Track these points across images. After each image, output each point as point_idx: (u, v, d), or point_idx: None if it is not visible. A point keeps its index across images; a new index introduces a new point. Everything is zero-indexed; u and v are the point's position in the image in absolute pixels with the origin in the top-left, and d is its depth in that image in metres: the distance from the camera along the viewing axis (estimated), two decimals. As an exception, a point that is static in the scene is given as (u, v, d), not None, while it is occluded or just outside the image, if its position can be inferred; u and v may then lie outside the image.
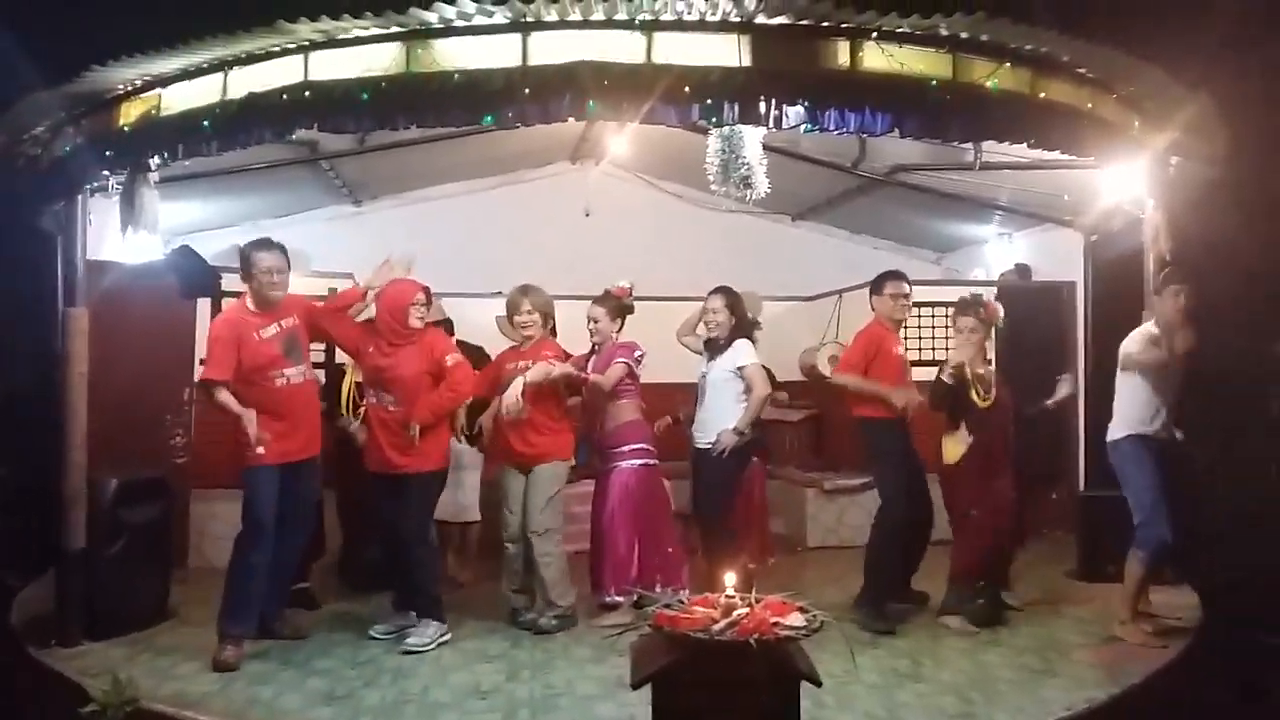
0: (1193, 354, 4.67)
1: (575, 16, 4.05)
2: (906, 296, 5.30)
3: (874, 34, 4.21)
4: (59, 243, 4.98)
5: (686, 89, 4.09)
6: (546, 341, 5.12)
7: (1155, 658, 4.48)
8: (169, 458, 5.96)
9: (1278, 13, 5.21)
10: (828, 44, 4.23)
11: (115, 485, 4.87)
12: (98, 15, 4.59)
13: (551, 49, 4.09)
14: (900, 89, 4.28)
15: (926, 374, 5.40)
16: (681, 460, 5.53)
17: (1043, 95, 4.54)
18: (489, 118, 4.26)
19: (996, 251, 8.57)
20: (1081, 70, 4.67)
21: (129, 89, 4.66)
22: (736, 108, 4.17)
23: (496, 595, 5.19)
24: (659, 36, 4.10)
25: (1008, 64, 4.44)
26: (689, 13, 4.08)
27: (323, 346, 5.84)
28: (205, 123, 4.44)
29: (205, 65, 4.44)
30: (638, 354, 5.22)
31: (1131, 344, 4.86)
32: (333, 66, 4.24)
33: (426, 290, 4.89)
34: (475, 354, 5.64)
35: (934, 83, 4.31)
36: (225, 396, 4.44)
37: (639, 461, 5.19)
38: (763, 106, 4.19)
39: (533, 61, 4.09)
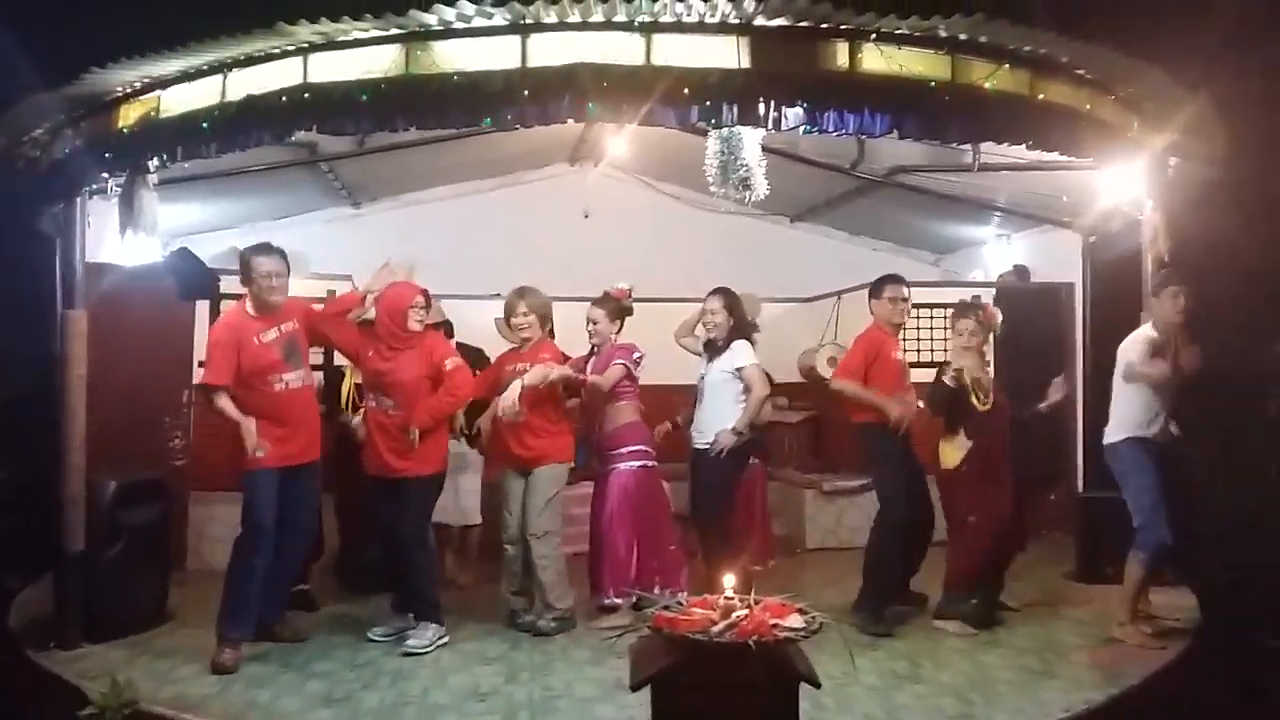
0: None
1: (574, 18, 4.05)
2: (905, 300, 5.29)
3: (873, 35, 4.22)
4: (58, 245, 4.97)
5: (685, 91, 4.09)
6: (545, 343, 5.12)
7: (1154, 659, 4.48)
8: (168, 460, 5.96)
9: (1276, 13, 5.22)
10: (827, 45, 4.24)
11: (114, 487, 4.87)
12: (97, 17, 4.59)
13: (551, 51, 4.09)
14: (899, 90, 4.28)
15: (926, 376, 5.40)
16: (681, 462, 5.53)
17: (1041, 96, 4.54)
18: (488, 120, 4.26)
19: (995, 253, 8.57)
20: (1080, 71, 4.68)
21: (128, 91, 4.67)
22: (735, 109, 4.17)
23: (496, 597, 5.19)
24: (658, 38, 4.10)
25: (1007, 65, 4.44)
26: (688, 15, 4.08)
27: (322, 348, 5.83)
28: (204, 125, 4.44)
29: (204, 67, 4.45)
30: (636, 355, 5.22)
31: (1132, 351, 4.81)
32: (332, 68, 4.24)
33: (425, 293, 4.89)
34: (474, 356, 5.64)
35: (933, 84, 4.31)
36: (224, 402, 4.44)
37: (638, 463, 5.19)
38: (762, 108, 4.19)
39: (532, 63, 4.10)
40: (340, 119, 4.33)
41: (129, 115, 4.69)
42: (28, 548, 5.20)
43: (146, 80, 4.58)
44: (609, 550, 5.12)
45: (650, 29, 4.09)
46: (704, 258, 7.93)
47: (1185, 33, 4.92)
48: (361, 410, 5.16)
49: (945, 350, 5.34)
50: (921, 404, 5.18)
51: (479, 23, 4.08)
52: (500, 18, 4.04)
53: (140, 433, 5.85)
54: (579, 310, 5.43)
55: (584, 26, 4.09)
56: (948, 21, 4.17)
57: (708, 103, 4.14)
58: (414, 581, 4.80)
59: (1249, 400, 5.33)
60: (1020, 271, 8.13)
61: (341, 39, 4.21)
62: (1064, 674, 4.34)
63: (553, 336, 5.24)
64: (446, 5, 3.94)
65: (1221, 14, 5.11)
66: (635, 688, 2.76)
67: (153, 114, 4.62)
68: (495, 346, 5.66)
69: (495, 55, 4.11)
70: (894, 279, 5.35)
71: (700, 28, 4.13)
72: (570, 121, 4.38)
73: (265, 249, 4.65)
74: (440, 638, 4.74)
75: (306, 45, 4.25)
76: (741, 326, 5.36)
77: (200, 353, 5.68)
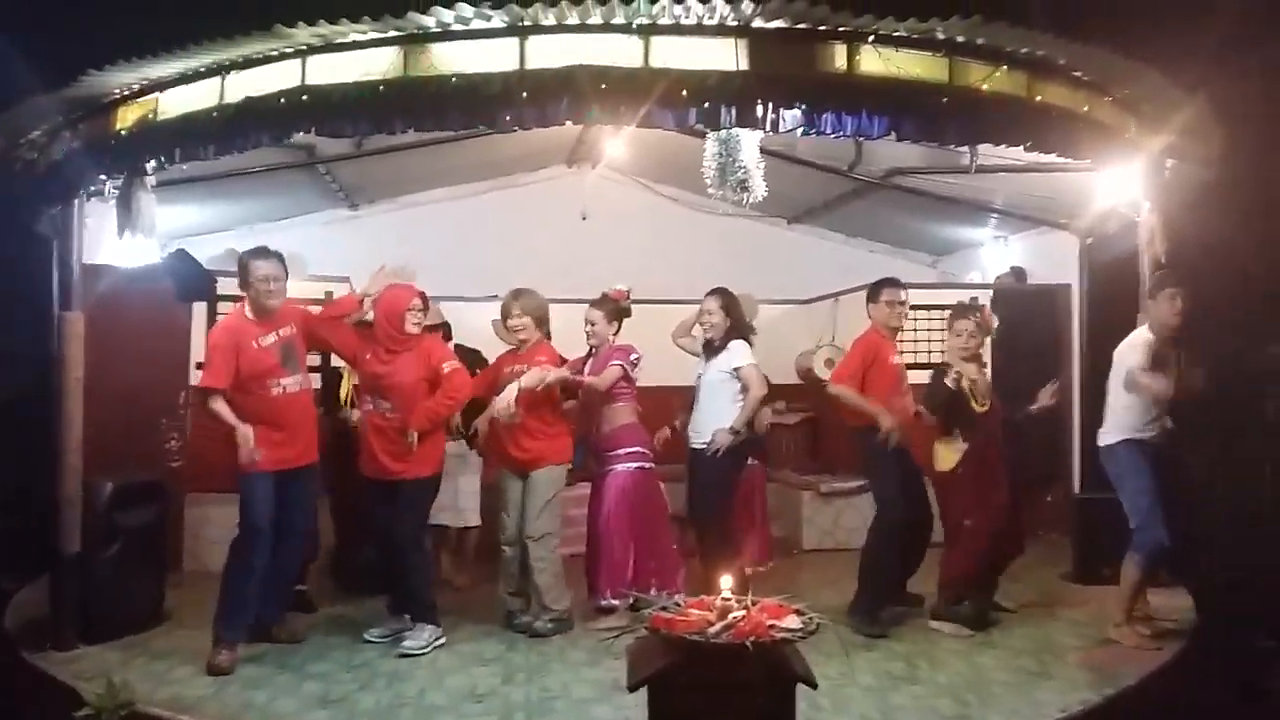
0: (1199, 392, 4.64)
1: (573, 21, 4.06)
2: (903, 303, 5.28)
3: (871, 37, 4.22)
4: (55, 246, 4.97)
5: (684, 93, 4.09)
6: (542, 345, 5.11)
7: (1150, 660, 4.48)
8: (164, 461, 5.96)
9: (1273, 16, 5.24)
10: (824, 48, 4.24)
11: (110, 489, 4.87)
12: (95, 19, 4.60)
13: (549, 53, 4.10)
14: (897, 92, 4.28)
15: (924, 377, 5.39)
16: (679, 464, 5.54)
17: (1039, 98, 4.56)
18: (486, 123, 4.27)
19: (992, 254, 8.58)
20: (1078, 73, 4.69)
21: (126, 93, 4.67)
22: (734, 111, 4.17)
23: (493, 599, 5.19)
24: (656, 41, 4.11)
25: (1004, 67, 4.45)
26: (686, 17, 4.08)
27: (319, 352, 5.84)
28: (203, 127, 4.44)
29: (203, 69, 4.45)
30: (634, 357, 5.23)
31: (1130, 356, 4.77)
32: (330, 71, 4.24)
33: (423, 295, 4.90)
34: (472, 358, 5.65)
35: (931, 86, 4.31)
36: (220, 406, 4.43)
37: (634, 464, 5.20)
38: (760, 110, 4.19)
39: (530, 65, 4.10)
40: (338, 121, 4.33)
41: (127, 117, 4.69)
42: (24, 549, 5.20)
43: (145, 82, 4.59)
44: (606, 551, 5.13)
45: (648, 31, 4.10)
46: (701, 259, 7.93)
47: (1183, 35, 4.94)
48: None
49: (943, 352, 5.32)
50: (921, 409, 5.17)
51: (477, 25, 4.09)
52: (498, 20, 4.04)
53: (137, 434, 5.85)
54: (576, 312, 5.43)
55: (582, 29, 4.09)
56: (945, 23, 4.18)
57: (706, 105, 4.14)
58: (410, 583, 4.80)
59: (1246, 401, 5.35)
60: (1017, 273, 8.14)
61: (340, 41, 4.22)
62: (1060, 675, 4.34)
63: (549, 338, 5.24)
64: (445, 7, 3.95)
65: (1219, 16, 5.13)
66: (632, 689, 2.76)
67: (151, 116, 4.62)
68: (492, 348, 5.66)
69: (493, 57, 4.11)
70: (891, 282, 5.35)
71: (698, 30, 4.13)
72: (568, 123, 4.39)
73: (263, 253, 4.65)
74: (437, 639, 4.74)
75: (305, 47, 4.25)
76: (739, 327, 5.37)
77: (197, 354, 5.70)
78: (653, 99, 4.07)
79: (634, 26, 4.08)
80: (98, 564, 4.79)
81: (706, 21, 4.11)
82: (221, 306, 6.20)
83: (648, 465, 5.26)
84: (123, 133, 4.68)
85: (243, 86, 4.37)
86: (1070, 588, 5.84)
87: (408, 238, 7.85)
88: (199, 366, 4.78)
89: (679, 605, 2.87)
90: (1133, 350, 4.81)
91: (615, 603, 5.05)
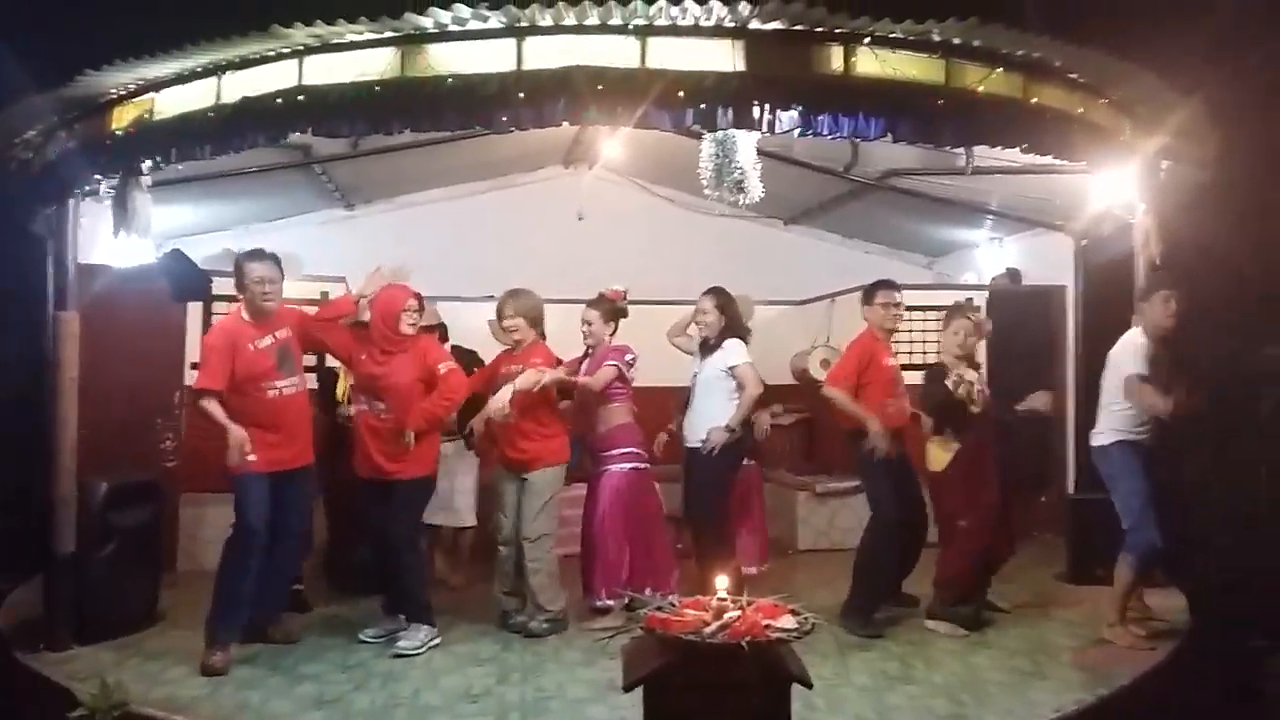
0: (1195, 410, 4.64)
1: (570, 21, 4.05)
2: (898, 305, 5.28)
3: (867, 39, 4.22)
4: (50, 246, 4.97)
5: (681, 94, 4.10)
6: (538, 346, 5.11)
7: (1144, 660, 4.49)
8: (159, 461, 5.95)
9: (1268, 18, 5.25)
10: (821, 49, 4.24)
11: (105, 489, 4.86)
12: (91, 19, 4.60)
13: (546, 54, 4.09)
14: (893, 94, 4.29)
15: (919, 378, 5.40)
16: (675, 464, 5.54)
17: (1035, 100, 4.56)
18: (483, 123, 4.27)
19: (987, 256, 8.59)
20: (1073, 75, 4.70)
21: (122, 93, 4.66)
22: (730, 113, 4.17)
23: (488, 599, 5.19)
24: (653, 42, 4.10)
25: (1000, 69, 4.46)
26: (683, 18, 4.07)
27: (315, 353, 5.84)
28: (199, 127, 4.43)
29: (199, 69, 4.44)
30: (629, 357, 5.23)
31: (1125, 360, 4.78)
32: (327, 71, 4.23)
33: (418, 296, 4.90)
34: (469, 358, 5.65)
35: (927, 88, 4.32)
36: (212, 406, 4.42)
37: (629, 465, 5.20)
38: (757, 111, 4.19)
39: (527, 66, 4.09)
40: (335, 121, 4.33)
41: (123, 117, 4.68)
42: (19, 549, 5.19)
43: (141, 82, 4.58)
44: (600, 552, 5.13)
45: (645, 32, 4.09)
46: (698, 260, 7.93)
47: (1178, 37, 4.95)
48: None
49: (938, 353, 5.32)
50: (919, 411, 5.17)
51: (474, 25, 4.08)
52: (495, 20, 4.04)
53: (132, 434, 5.84)
54: (572, 312, 5.44)
55: (579, 30, 4.08)
56: (941, 25, 4.18)
57: (703, 106, 4.15)
58: (404, 583, 4.80)
59: (1241, 403, 5.35)
60: (1012, 274, 8.15)
61: (336, 42, 4.21)
62: (1054, 675, 4.35)
63: (544, 339, 5.24)
64: (441, 8, 3.94)
65: (1214, 18, 5.14)
66: (628, 688, 2.76)
67: (147, 116, 4.61)
68: (489, 348, 5.66)
69: (490, 58, 4.10)
70: (886, 284, 5.35)
71: (695, 31, 4.13)
72: (565, 124, 4.39)
73: (258, 255, 4.65)
74: (432, 639, 4.74)
75: (301, 48, 4.25)
76: (734, 326, 5.38)
77: (193, 354, 5.69)
78: (649, 100, 4.07)
79: (631, 27, 4.08)
80: (92, 564, 4.78)
81: (703, 23, 4.10)
82: (217, 306, 6.21)
83: (642, 466, 5.25)
84: (118, 133, 4.67)
85: (239, 87, 4.36)
86: (1064, 588, 5.85)
87: (404, 238, 7.85)
88: (194, 367, 4.77)
89: (674, 605, 2.88)
90: (1127, 352, 4.81)
91: (610, 603, 5.05)
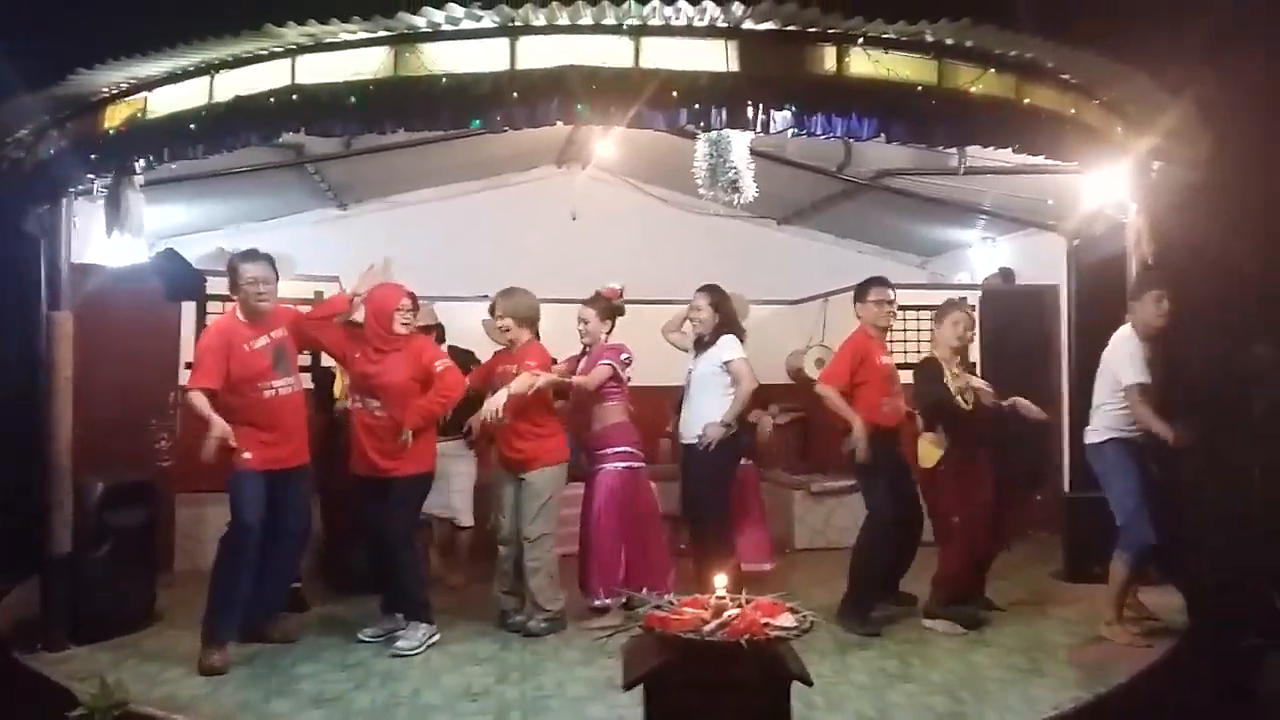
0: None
1: (563, 21, 4.06)
2: (891, 303, 5.28)
3: (860, 39, 4.24)
4: (42, 246, 4.95)
5: (674, 94, 4.10)
6: (532, 346, 5.10)
7: (1141, 658, 4.51)
8: (155, 461, 5.94)
9: (1258, 18, 5.27)
10: (814, 49, 4.25)
11: (101, 489, 4.86)
12: (83, 18, 4.57)
13: (540, 53, 4.10)
14: (886, 94, 4.30)
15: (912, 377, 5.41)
16: (671, 463, 5.55)
17: (1027, 101, 4.58)
18: (477, 122, 4.26)
19: (981, 256, 8.62)
20: (1065, 76, 4.72)
21: (114, 92, 4.65)
22: (724, 112, 4.18)
23: (487, 598, 5.19)
24: (646, 41, 4.11)
25: (992, 70, 4.47)
26: (676, 18, 4.09)
27: (310, 351, 5.83)
28: (192, 126, 4.42)
29: (192, 68, 4.44)
30: (624, 357, 5.24)
31: (1119, 361, 4.79)
32: (320, 70, 4.23)
33: (412, 295, 4.89)
34: (465, 358, 5.65)
35: (920, 88, 4.33)
36: (198, 399, 4.39)
37: (622, 464, 5.20)
38: (750, 111, 4.20)
39: (521, 66, 4.10)
40: (328, 121, 4.32)
41: (115, 116, 4.67)
42: (14, 549, 5.17)
43: (133, 81, 4.56)
44: (596, 551, 5.13)
45: (639, 32, 4.10)
46: (691, 260, 7.93)
47: (1169, 38, 4.96)
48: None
49: (931, 347, 5.30)
50: (915, 410, 5.18)
51: (467, 25, 4.09)
52: (489, 20, 4.05)
53: (126, 434, 5.83)
54: (566, 312, 5.44)
55: (573, 29, 4.09)
56: (934, 26, 4.20)
57: (696, 106, 4.16)
58: (401, 581, 4.80)
59: (1234, 403, 5.37)
60: (1005, 274, 8.18)
61: (330, 41, 4.21)
62: (1053, 672, 4.36)
63: (538, 338, 5.23)
64: (435, 8, 3.95)
65: (1205, 20, 5.16)
66: (627, 687, 2.76)
67: (139, 115, 4.60)
68: (484, 348, 5.67)
69: (484, 57, 4.11)
70: (879, 281, 5.35)
71: (689, 31, 4.14)
72: (558, 124, 4.38)
73: (252, 256, 4.65)
74: (431, 636, 4.74)
75: (295, 47, 4.24)
76: (729, 323, 5.39)
77: (187, 354, 5.68)
78: (643, 100, 4.07)
79: (624, 27, 4.09)
80: (88, 564, 4.77)
81: (697, 23, 4.12)
82: (211, 306, 6.19)
83: (636, 465, 5.25)
84: (111, 132, 4.66)
85: (232, 86, 4.36)
86: (1061, 586, 5.87)
87: (397, 237, 7.82)
88: (189, 366, 4.76)
89: (672, 604, 2.88)
90: (1120, 351, 4.82)
91: (608, 602, 5.05)
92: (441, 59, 4.13)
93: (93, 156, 4.70)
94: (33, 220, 5.02)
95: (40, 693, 4.15)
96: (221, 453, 4.38)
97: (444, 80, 4.12)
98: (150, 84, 4.56)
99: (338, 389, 5.73)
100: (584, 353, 5.35)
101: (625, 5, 4.00)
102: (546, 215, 8.13)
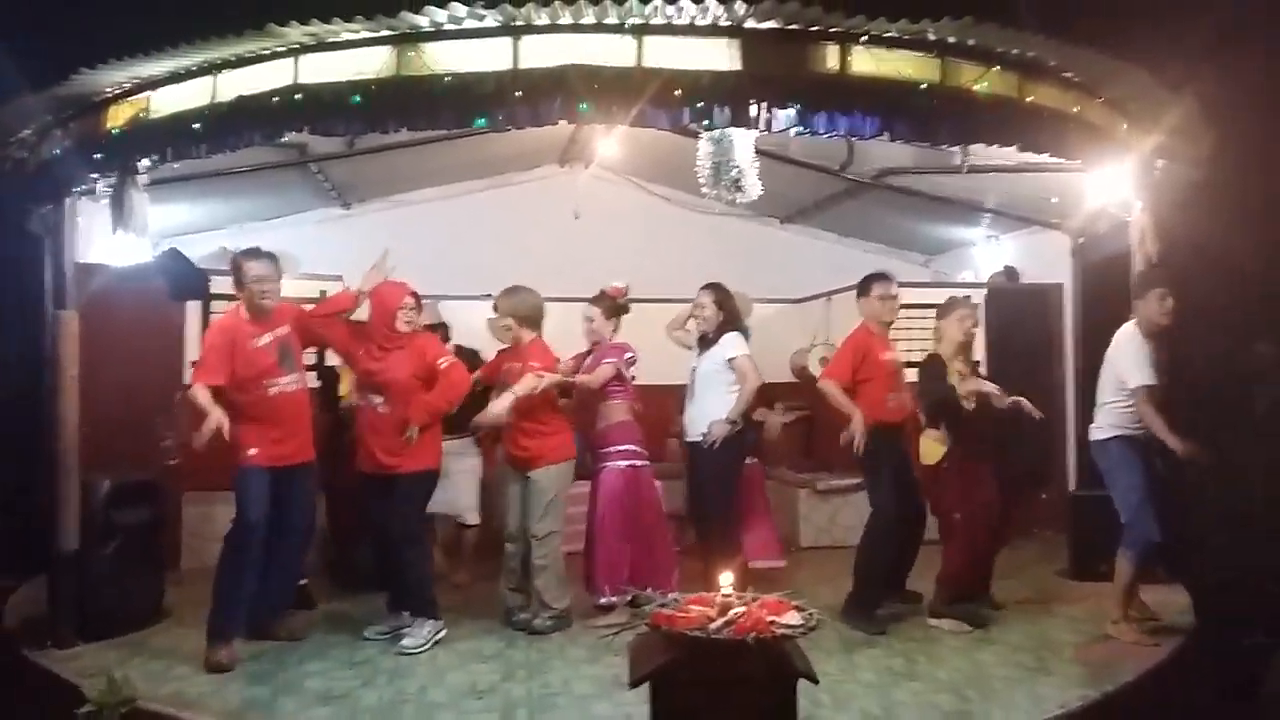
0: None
1: (566, 20, 4.06)
2: (894, 298, 5.26)
3: (863, 38, 4.24)
4: (47, 245, 4.96)
5: (677, 93, 4.10)
6: (536, 345, 5.10)
7: (1148, 656, 4.50)
8: (161, 459, 5.95)
9: (1261, 16, 5.27)
10: (817, 48, 4.25)
11: (108, 487, 4.88)
12: (86, 18, 4.58)
13: (542, 53, 4.10)
14: (889, 93, 4.30)
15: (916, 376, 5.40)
16: (678, 462, 5.55)
17: (1030, 99, 4.58)
18: (480, 121, 4.26)
19: (984, 254, 8.60)
20: (1068, 74, 4.71)
21: (118, 92, 4.65)
22: (727, 111, 4.18)
23: (492, 596, 5.21)
24: (649, 40, 4.11)
25: (996, 68, 4.47)
26: (679, 17, 4.09)
27: (315, 348, 5.84)
28: (195, 125, 4.43)
29: (195, 68, 4.44)
30: (628, 355, 5.24)
31: (1123, 358, 4.80)
32: (323, 70, 4.24)
33: (415, 294, 4.90)
34: (470, 357, 5.65)
35: (923, 86, 4.33)
36: (201, 393, 4.39)
37: (625, 463, 5.20)
38: (753, 110, 4.20)
39: (523, 65, 4.10)
40: (331, 120, 4.33)
41: (118, 116, 4.68)
42: (22, 547, 5.19)
43: (136, 81, 4.57)
44: (601, 549, 5.14)
45: (641, 31, 4.10)
46: (694, 259, 7.93)
47: (1172, 36, 4.96)
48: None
49: (936, 343, 5.28)
50: (921, 414, 5.17)
51: (470, 24, 4.09)
52: (491, 19, 4.05)
53: (132, 433, 5.84)
54: (569, 311, 5.44)
55: (575, 28, 4.09)
56: (937, 25, 4.20)
57: (699, 105, 4.15)
58: (407, 578, 4.81)
59: (1235, 401, 5.37)
60: (1009, 272, 8.17)
61: (332, 40, 4.21)
62: (1059, 671, 4.36)
63: (540, 336, 5.23)
64: (438, 7, 3.95)
65: (1207, 18, 5.16)
66: (634, 685, 2.77)
67: (142, 115, 4.61)
68: (489, 347, 5.68)
69: (487, 57, 4.11)
70: (882, 276, 5.34)
71: (691, 30, 4.14)
72: (561, 123, 4.39)
73: (255, 253, 4.67)
74: (437, 632, 4.75)
75: (297, 46, 4.25)
76: (732, 320, 5.39)
77: (192, 353, 5.70)
78: (646, 99, 4.07)
79: (627, 26, 4.09)
80: (95, 562, 4.79)
81: (699, 22, 4.12)
82: (215, 305, 6.19)
83: (639, 463, 5.26)
84: (114, 131, 4.67)
85: (235, 85, 4.36)
86: (1067, 584, 5.86)
87: (400, 237, 7.71)
88: (194, 365, 4.77)
89: (678, 602, 2.88)
90: (1122, 351, 4.81)
91: (614, 600, 5.06)
92: (444, 58, 4.13)
93: (96, 156, 4.71)
94: (37, 220, 5.03)
95: (49, 689, 4.17)
96: (225, 447, 4.39)
97: (447, 79, 4.13)
98: (153, 83, 4.56)
99: (343, 387, 5.75)
100: (589, 351, 5.35)
101: (628, 4, 4.00)
102: (549, 214, 8.13)
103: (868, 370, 5.11)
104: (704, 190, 5.32)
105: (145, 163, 4.68)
